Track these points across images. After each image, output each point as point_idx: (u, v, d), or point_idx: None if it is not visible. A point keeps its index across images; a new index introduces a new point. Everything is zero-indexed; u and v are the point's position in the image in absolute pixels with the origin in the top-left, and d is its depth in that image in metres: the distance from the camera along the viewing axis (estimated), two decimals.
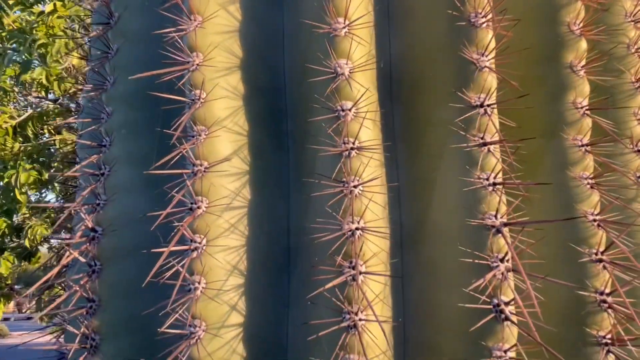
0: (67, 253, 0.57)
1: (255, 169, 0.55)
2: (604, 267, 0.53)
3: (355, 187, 0.48)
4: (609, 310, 0.52)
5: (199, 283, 0.49)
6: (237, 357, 0.49)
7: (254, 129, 0.56)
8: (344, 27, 0.52)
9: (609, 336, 0.52)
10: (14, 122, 4.53)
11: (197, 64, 0.54)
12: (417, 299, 0.51)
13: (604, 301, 0.52)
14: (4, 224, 5.11)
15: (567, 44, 0.59)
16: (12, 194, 4.48)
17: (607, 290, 0.53)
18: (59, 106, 5.35)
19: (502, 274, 0.47)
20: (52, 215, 5.57)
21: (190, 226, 0.50)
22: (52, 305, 0.60)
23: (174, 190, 0.51)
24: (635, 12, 0.71)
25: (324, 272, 0.47)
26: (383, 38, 0.59)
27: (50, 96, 5.00)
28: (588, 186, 0.56)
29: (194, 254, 0.49)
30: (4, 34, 3.99)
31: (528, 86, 0.60)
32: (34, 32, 3.77)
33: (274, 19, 0.59)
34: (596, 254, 0.53)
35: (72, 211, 0.69)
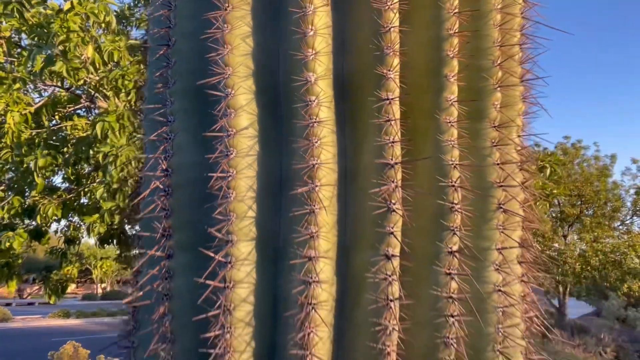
0: (153, 183, 0.99)
1: (261, 134, 0.97)
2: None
3: (316, 142, 0.90)
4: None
5: (232, 194, 0.90)
6: (252, 232, 0.91)
7: (261, 111, 0.97)
8: (312, 55, 0.93)
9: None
10: (31, 109, 4.90)
11: (229, 74, 0.95)
12: (351, 206, 0.93)
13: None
14: (18, 203, 5.48)
15: (444, 63, 1.00)
16: (30, 177, 4.86)
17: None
18: (69, 94, 5.70)
19: (393, 188, 0.89)
20: (64, 195, 5.91)
21: (227, 164, 0.91)
22: (142, 214, 1.01)
23: (218, 144, 0.93)
24: (501, 39, 1.12)
25: (300, 186, 0.88)
26: (338, 60, 1.00)
27: (64, 85, 5.34)
28: (451, 145, 0.97)
29: (230, 179, 0.91)
30: (24, 28, 4.35)
31: (423, 89, 1.02)
32: (51, 26, 4.12)
33: (274, 48, 1.00)
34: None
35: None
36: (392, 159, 0.90)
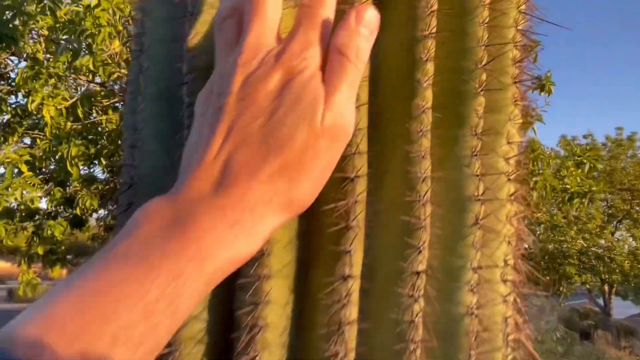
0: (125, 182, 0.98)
1: None
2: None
3: None
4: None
5: None
6: None
7: None
8: None
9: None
10: (67, 104, 5.11)
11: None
12: (311, 222, 0.89)
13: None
14: (59, 193, 5.76)
15: (418, 67, 0.93)
16: (64, 166, 5.08)
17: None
18: (104, 89, 5.91)
19: (352, 202, 0.84)
20: (100, 187, 6.15)
21: None
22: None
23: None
24: (485, 39, 1.03)
25: None
26: None
27: (98, 80, 5.55)
28: (421, 156, 0.90)
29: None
30: (58, 26, 4.52)
31: (394, 94, 0.95)
32: (82, 23, 4.25)
33: None
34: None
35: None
36: (352, 172, 0.85)
